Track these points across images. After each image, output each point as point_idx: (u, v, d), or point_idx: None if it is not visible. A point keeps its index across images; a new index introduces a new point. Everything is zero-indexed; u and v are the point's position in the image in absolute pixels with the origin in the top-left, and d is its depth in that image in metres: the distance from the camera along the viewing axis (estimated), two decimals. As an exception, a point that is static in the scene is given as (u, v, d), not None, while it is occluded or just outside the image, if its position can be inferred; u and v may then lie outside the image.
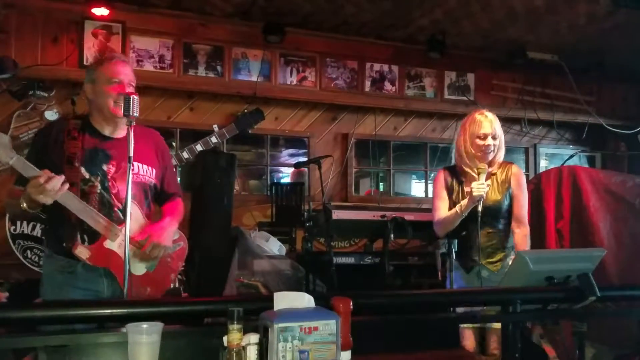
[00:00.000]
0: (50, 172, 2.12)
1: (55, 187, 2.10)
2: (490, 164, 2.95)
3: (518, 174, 2.98)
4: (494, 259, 2.92)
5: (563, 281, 2.17)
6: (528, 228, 2.97)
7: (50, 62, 4.51)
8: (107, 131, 2.42)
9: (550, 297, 2.18)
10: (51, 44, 4.55)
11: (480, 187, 2.77)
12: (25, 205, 2.15)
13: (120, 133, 2.42)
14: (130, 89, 2.36)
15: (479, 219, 2.77)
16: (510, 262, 2.89)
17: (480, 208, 2.78)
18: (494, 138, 2.92)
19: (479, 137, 2.92)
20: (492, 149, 2.92)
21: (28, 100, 4.53)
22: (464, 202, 2.86)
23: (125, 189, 2.26)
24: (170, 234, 2.46)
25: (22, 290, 3.60)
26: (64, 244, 2.28)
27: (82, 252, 2.26)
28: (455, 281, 2.88)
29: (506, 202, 2.93)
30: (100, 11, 4.53)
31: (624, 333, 3.39)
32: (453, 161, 3.09)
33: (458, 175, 3.02)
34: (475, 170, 2.87)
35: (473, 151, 2.93)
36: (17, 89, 4.46)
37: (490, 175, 2.96)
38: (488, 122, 2.93)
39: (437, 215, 3.00)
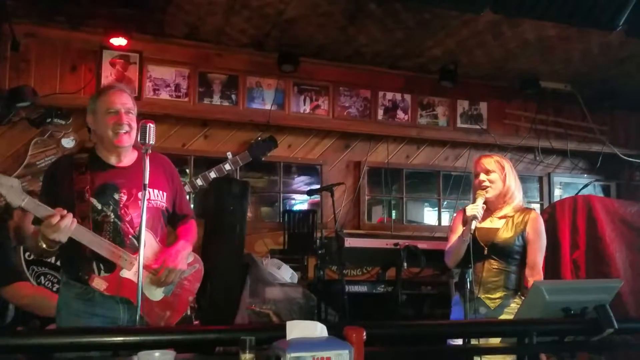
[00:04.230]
0: (63, 210, 2.14)
1: (68, 224, 2.12)
2: (498, 203, 2.98)
3: (535, 219, 2.95)
4: (493, 295, 2.88)
5: (580, 312, 2.14)
6: (542, 277, 2.92)
7: (68, 91, 4.59)
8: (112, 160, 2.44)
9: (567, 329, 2.14)
10: (69, 73, 4.65)
11: (474, 207, 2.86)
12: (43, 245, 2.17)
13: (126, 161, 2.46)
14: (128, 118, 2.39)
15: (470, 246, 2.78)
16: (512, 304, 2.86)
17: (473, 227, 2.81)
18: (486, 173, 2.98)
19: (476, 176, 3.03)
20: (487, 184, 2.96)
21: (45, 128, 4.60)
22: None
23: (138, 215, 2.28)
24: (185, 256, 2.46)
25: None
26: (80, 275, 2.30)
27: (99, 283, 2.27)
28: (455, 317, 2.91)
29: (517, 244, 2.91)
30: (118, 41, 4.61)
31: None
32: None
33: None
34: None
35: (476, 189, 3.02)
36: (35, 117, 4.54)
37: (505, 217, 2.98)
38: (481, 161, 3.03)
39: (447, 246, 3.06)
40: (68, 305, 2.33)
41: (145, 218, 2.26)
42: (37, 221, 2.20)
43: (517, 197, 3.02)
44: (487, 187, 2.96)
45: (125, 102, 2.42)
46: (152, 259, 2.36)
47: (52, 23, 4.53)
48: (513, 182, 3.01)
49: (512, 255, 2.90)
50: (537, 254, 2.92)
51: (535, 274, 2.88)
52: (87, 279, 2.27)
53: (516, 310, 2.71)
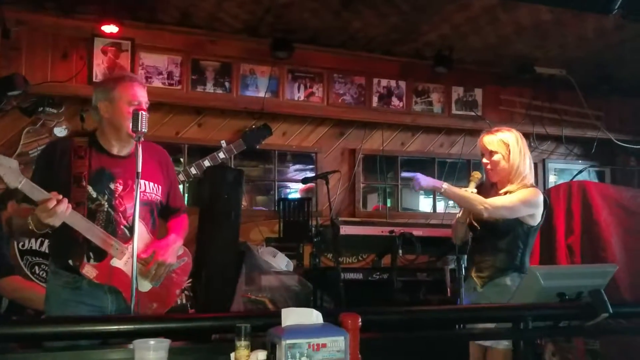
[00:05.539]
0: (58, 194, 2.11)
1: (64, 210, 2.10)
2: (505, 182, 2.89)
3: (525, 190, 2.83)
4: (482, 274, 2.86)
5: (575, 297, 2.14)
6: (495, 205, 2.78)
7: (59, 79, 4.54)
8: (114, 150, 2.42)
9: (562, 314, 2.15)
10: (61, 60, 4.59)
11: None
12: (32, 226, 2.15)
13: (127, 151, 2.43)
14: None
15: (465, 225, 2.90)
16: (507, 282, 2.79)
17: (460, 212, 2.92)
18: (490, 155, 2.89)
19: (482, 156, 2.96)
20: (491, 166, 2.88)
21: (37, 117, 4.55)
22: None
23: (132, 207, 2.26)
24: (175, 251, 2.46)
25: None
26: (71, 262, 2.28)
27: (89, 271, 2.26)
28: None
29: (508, 222, 2.80)
30: (110, 28, 4.57)
31: (636, 350, 3.34)
32: None
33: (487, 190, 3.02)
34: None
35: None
36: (27, 105, 4.49)
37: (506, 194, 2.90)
38: (483, 141, 2.93)
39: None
40: (56, 294, 2.32)
41: (139, 209, 2.24)
42: (27, 200, 2.17)
43: (524, 173, 2.85)
44: (489, 170, 2.90)
45: (145, 95, 2.44)
46: (143, 249, 2.34)
47: (42, 10, 4.46)
48: (518, 159, 2.85)
49: (503, 233, 2.82)
50: (507, 197, 2.80)
51: (488, 203, 2.77)
52: (77, 265, 2.25)
53: (505, 288, 2.73)
